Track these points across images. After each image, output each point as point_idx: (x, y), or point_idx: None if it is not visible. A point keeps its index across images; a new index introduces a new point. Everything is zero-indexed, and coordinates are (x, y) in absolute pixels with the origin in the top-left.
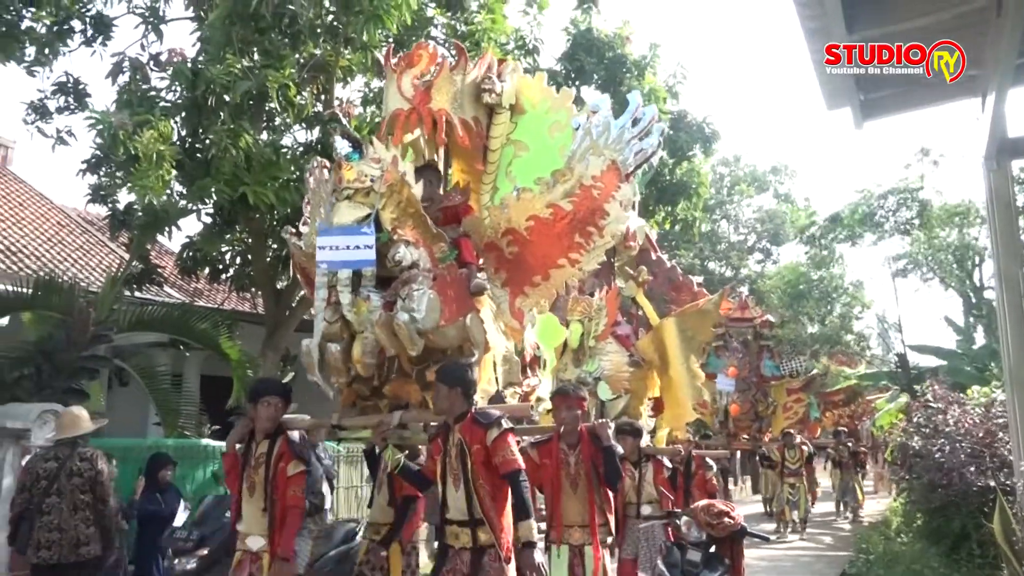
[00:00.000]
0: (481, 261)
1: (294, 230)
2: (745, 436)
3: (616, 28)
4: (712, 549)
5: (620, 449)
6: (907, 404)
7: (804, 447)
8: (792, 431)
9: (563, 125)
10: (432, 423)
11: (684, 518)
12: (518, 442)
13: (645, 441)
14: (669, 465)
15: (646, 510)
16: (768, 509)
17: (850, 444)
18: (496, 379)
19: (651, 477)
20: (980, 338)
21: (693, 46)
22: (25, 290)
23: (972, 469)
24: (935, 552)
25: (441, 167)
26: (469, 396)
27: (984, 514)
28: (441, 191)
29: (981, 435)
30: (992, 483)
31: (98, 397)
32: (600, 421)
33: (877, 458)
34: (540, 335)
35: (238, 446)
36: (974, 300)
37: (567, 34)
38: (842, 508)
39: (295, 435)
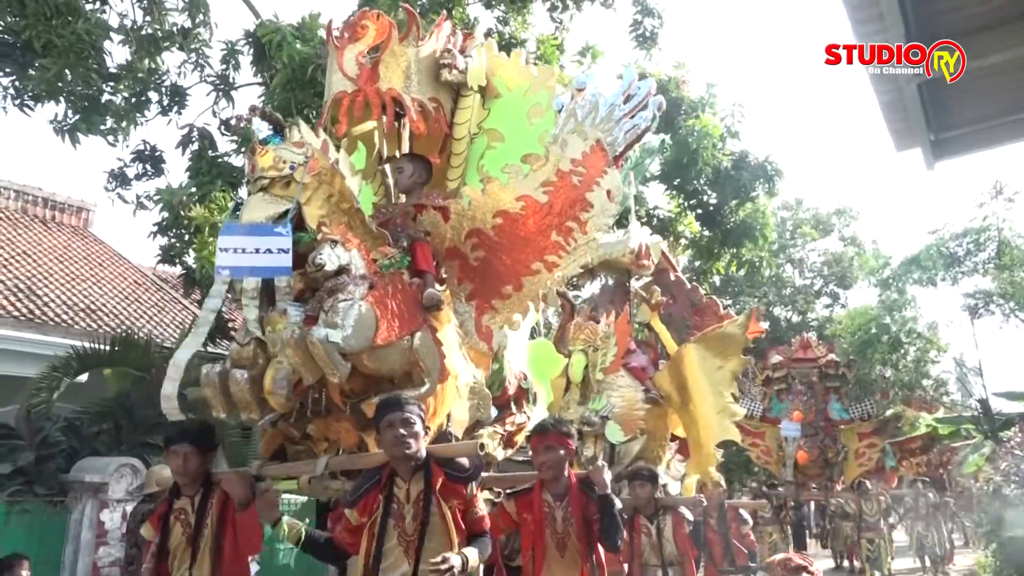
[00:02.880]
0: (444, 272)
1: None
2: (814, 485)
3: (672, 69)
4: None
5: (619, 503)
6: (992, 451)
7: (882, 498)
8: (865, 480)
9: (544, 108)
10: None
11: (760, 573)
12: (499, 494)
13: (675, 490)
14: (690, 518)
15: (672, 574)
16: (844, 563)
17: (931, 495)
18: (448, 415)
19: (670, 533)
20: None
21: (752, 87)
22: (104, 347)
23: None
24: None
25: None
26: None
27: None
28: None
29: None
30: None
31: None
32: (597, 464)
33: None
34: (531, 365)
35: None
36: None
37: (621, 80)
38: (927, 563)
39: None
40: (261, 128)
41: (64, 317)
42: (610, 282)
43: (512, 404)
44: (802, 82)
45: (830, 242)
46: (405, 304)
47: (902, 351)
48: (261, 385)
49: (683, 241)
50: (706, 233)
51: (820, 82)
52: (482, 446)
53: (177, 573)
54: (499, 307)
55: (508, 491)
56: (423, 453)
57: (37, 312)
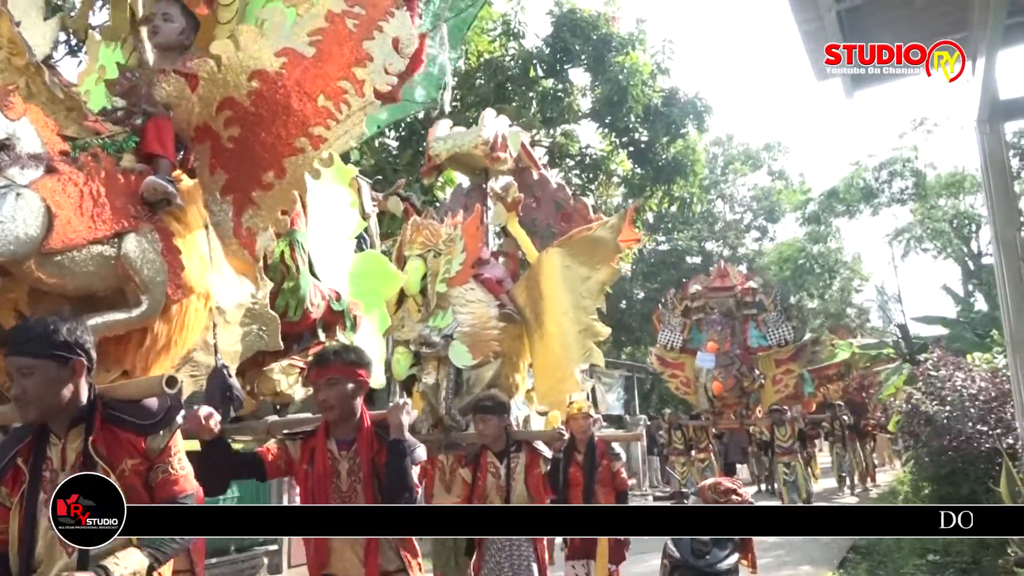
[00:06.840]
0: (195, 159)
1: None
2: (732, 415)
3: (603, 4)
4: None
5: (421, 453)
6: (910, 373)
7: (796, 423)
8: (781, 407)
9: None
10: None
11: (691, 497)
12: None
13: (539, 424)
14: (548, 455)
15: None
16: (763, 487)
17: (845, 418)
18: (214, 344)
19: (522, 473)
20: (981, 305)
21: (681, 22)
22: None
23: (978, 433)
24: None
25: None
26: (83, 373)
27: (992, 479)
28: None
29: (985, 399)
30: (999, 447)
31: None
32: (397, 402)
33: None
34: (356, 282)
35: None
36: (972, 268)
37: (551, 16)
38: (846, 482)
39: None
40: None
41: None
42: (464, 184)
43: (320, 331)
44: (732, 14)
45: (759, 177)
46: (111, 196)
47: (828, 282)
48: None
49: (615, 179)
50: (638, 171)
51: (750, 14)
52: (171, 381)
53: None
54: (261, 201)
55: (289, 433)
56: (83, 398)
57: None
